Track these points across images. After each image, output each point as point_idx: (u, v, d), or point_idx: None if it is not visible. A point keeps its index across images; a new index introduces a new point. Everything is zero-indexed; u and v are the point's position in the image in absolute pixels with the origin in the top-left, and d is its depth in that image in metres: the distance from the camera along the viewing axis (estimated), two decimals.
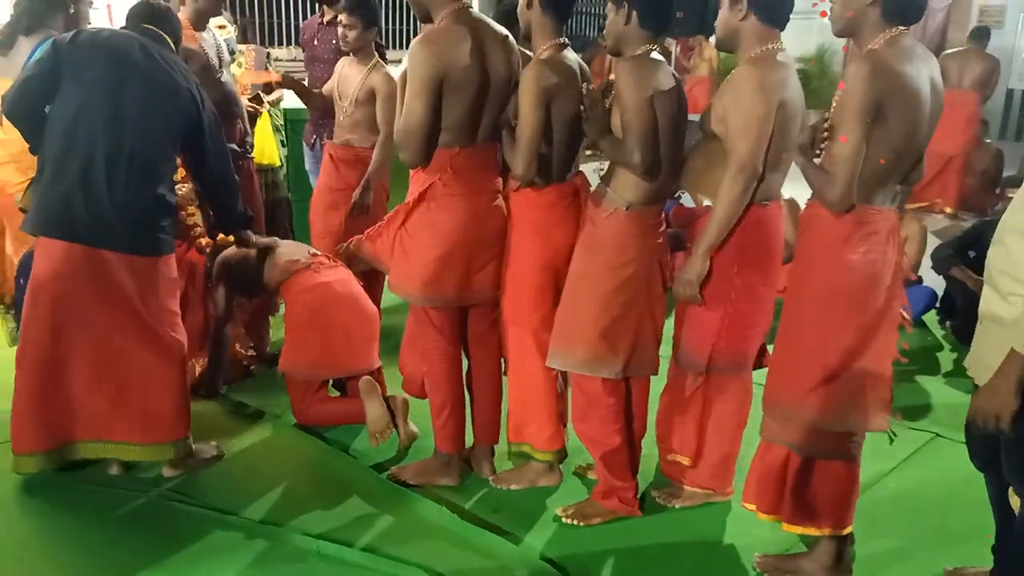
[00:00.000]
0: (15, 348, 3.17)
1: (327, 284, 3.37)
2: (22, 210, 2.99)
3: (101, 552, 2.66)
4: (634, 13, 2.68)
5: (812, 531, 2.62)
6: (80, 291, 2.84)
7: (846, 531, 2.63)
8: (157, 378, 2.94)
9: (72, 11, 3.73)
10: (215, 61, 4.17)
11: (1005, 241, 2.12)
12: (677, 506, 3.04)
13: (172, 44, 3.08)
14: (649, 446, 3.14)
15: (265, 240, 3.57)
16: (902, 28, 2.36)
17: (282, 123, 5.38)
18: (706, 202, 2.80)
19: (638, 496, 3.00)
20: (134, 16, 3.05)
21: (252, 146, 4.58)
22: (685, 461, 3.04)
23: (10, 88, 2.89)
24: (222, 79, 4.23)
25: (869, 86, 2.27)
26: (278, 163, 5.25)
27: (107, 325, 2.87)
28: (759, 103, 2.56)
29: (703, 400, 2.94)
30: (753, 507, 2.71)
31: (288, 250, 3.53)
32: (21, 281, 3.32)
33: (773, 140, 2.59)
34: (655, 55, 2.73)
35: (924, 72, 2.37)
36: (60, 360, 2.87)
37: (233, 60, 5.16)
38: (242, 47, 5.40)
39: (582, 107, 2.68)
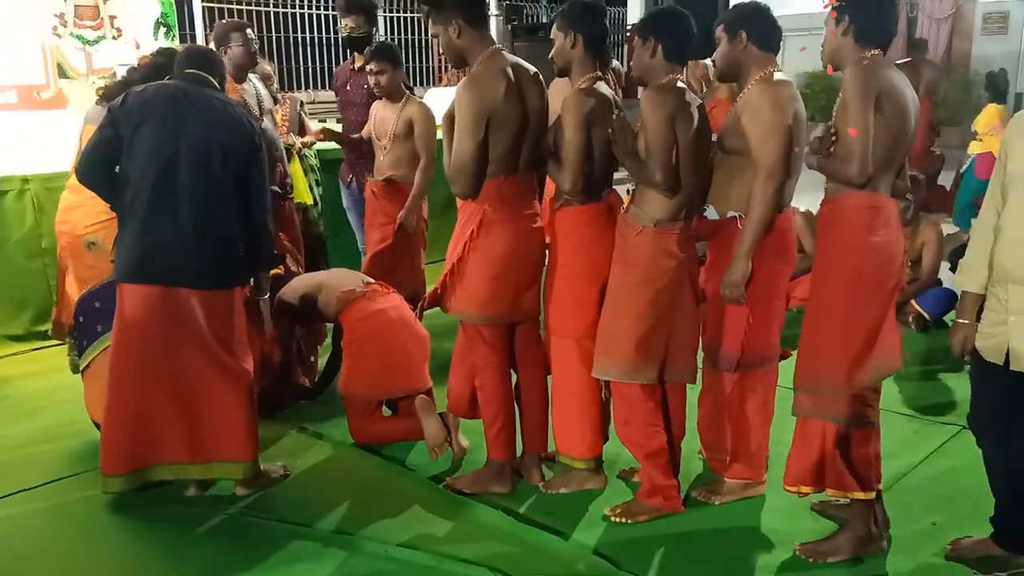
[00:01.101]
0: (78, 376, 3.54)
1: (382, 311, 3.62)
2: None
3: (187, 564, 2.90)
4: (660, 47, 2.95)
5: (843, 495, 2.85)
6: (159, 329, 3.09)
7: (872, 495, 2.85)
8: (227, 403, 3.17)
9: None
10: (256, 110, 4.48)
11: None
12: (717, 502, 3.24)
13: (218, 84, 3.29)
14: (688, 448, 3.35)
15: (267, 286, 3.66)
16: (876, 51, 2.68)
17: (315, 163, 5.67)
18: (730, 213, 3.03)
19: (680, 494, 3.20)
20: (180, 64, 3.28)
21: (292, 187, 4.88)
22: (724, 457, 3.24)
23: (80, 157, 3.17)
24: (263, 126, 4.52)
25: (866, 79, 2.60)
26: (311, 201, 5.55)
27: (183, 358, 3.12)
28: (778, 114, 2.85)
29: (737, 396, 3.16)
30: (795, 490, 2.91)
31: (342, 280, 3.78)
32: (81, 319, 3.58)
33: (789, 149, 2.85)
34: (679, 83, 2.98)
35: (903, 80, 2.69)
36: (145, 392, 3.13)
37: (277, 105, 5.48)
38: (280, 95, 5.71)
39: (610, 131, 2.93)
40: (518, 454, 3.40)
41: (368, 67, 4.38)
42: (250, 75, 4.62)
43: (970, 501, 3.18)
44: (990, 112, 7.45)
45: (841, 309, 2.73)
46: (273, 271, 4.06)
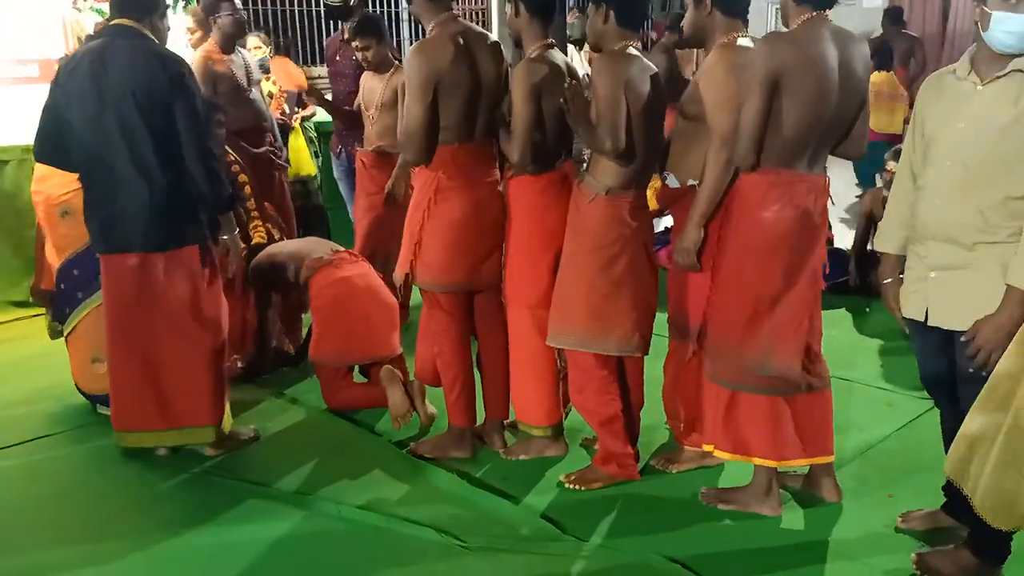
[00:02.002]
0: (58, 341, 3.75)
1: (348, 278, 3.68)
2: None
3: (144, 519, 3.01)
4: (611, 13, 2.94)
5: (742, 458, 2.91)
6: (126, 296, 3.19)
7: (781, 464, 2.89)
8: (191, 368, 3.26)
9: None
10: (243, 81, 4.54)
11: (953, 196, 2.35)
12: (674, 471, 3.25)
13: (150, 27, 3.12)
14: (655, 418, 3.36)
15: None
16: (815, 12, 2.67)
17: (315, 135, 5.74)
18: (690, 182, 3.02)
19: (638, 463, 3.22)
20: (109, 16, 3.20)
21: (287, 160, 4.95)
22: (683, 426, 3.25)
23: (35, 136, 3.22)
24: (251, 96, 4.60)
25: (765, 61, 2.61)
26: (313, 172, 5.61)
27: (148, 324, 3.21)
28: (732, 81, 2.81)
29: (696, 364, 3.16)
30: (712, 447, 2.97)
31: (312, 248, 3.85)
32: (63, 286, 3.70)
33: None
34: (631, 50, 2.97)
35: (831, 52, 2.64)
36: (117, 360, 3.26)
37: (268, 78, 5.55)
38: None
39: (562, 100, 2.93)
40: (480, 421, 3.44)
41: (353, 43, 4.42)
42: (238, 46, 4.68)
43: (932, 475, 3.13)
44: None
45: (732, 280, 2.79)
46: (257, 239, 4.16)
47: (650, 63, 3.04)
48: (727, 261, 2.84)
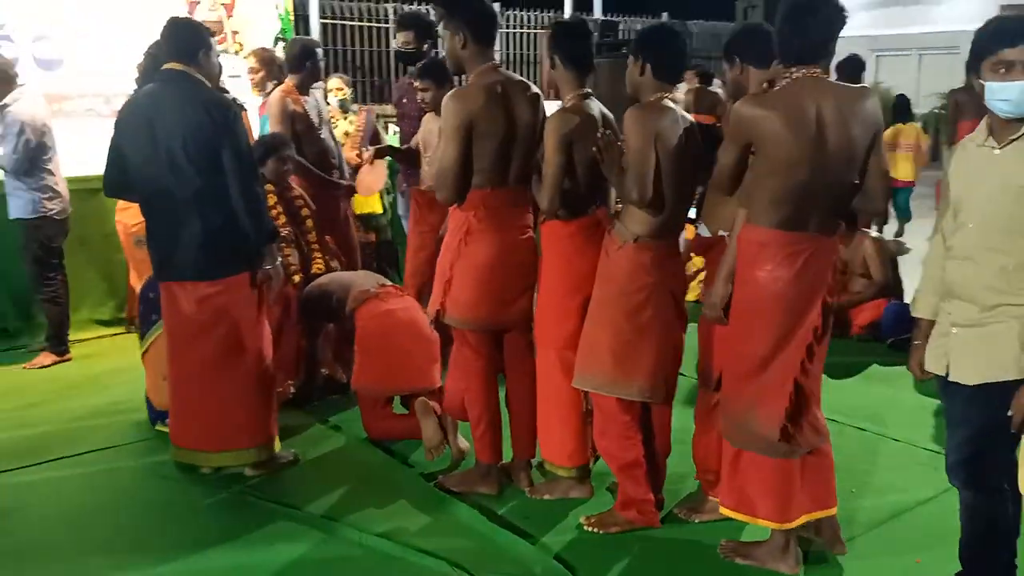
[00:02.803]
0: (133, 360, 3.99)
1: (391, 311, 3.81)
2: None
3: (179, 532, 3.18)
4: (648, 66, 3.01)
5: (746, 518, 2.87)
6: (180, 323, 3.40)
7: (787, 526, 2.82)
8: (235, 393, 3.44)
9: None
10: (316, 119, 4.79)
11: (976, 258, 2.36)
12: (696, 520, 3.23)
13: (197, 70, 3.31)
14: (680, 466, 3.35)
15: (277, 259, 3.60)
16: (802, 68, 2.63)
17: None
18: (720, 232, 3.05)
19: (660, 511, 3.22)
20: (158, 62, 3.40)
21: (352, 191, 5.17)
22: (710, 476, 3.24)
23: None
24: (322, 135, 4.85)
25: (735, 120, 2.67)
26: (380, 210, 5.84)
27: (198, 350, 3.41)
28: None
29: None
30: (730, 513, 2.93)
31: (361, 281, 4.01)
32: (141, 308, 3.97)
33: None
34: (666, 102, 3.02)
35: (811, 114, 2.59)
36: (173, 383, 3.50)
37: (346, 118, 5.81)
38: (355, 107, 6.05)
39: (595, 149, 3.00)
40: (509, 459, 3.50)
41: (415, 85, 4.60)
42: (313, 88, 4.94)
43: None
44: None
45: (732, 337, 2.82)
46: (315, 270, 4.35)
47: (685, 115, 3.09)
48: (730, 318, 2.87)
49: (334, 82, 5.96)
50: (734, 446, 2.85)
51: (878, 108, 2.71)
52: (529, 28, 11.82)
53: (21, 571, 2.96)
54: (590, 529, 3.16)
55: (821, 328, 2.74)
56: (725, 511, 2.93)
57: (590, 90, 3.21)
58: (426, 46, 4.98)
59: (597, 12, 11.90)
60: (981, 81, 2.31)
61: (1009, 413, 2.32)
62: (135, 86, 4.32)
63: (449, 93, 3.16)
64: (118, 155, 3.35)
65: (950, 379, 2.46)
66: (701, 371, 3.18)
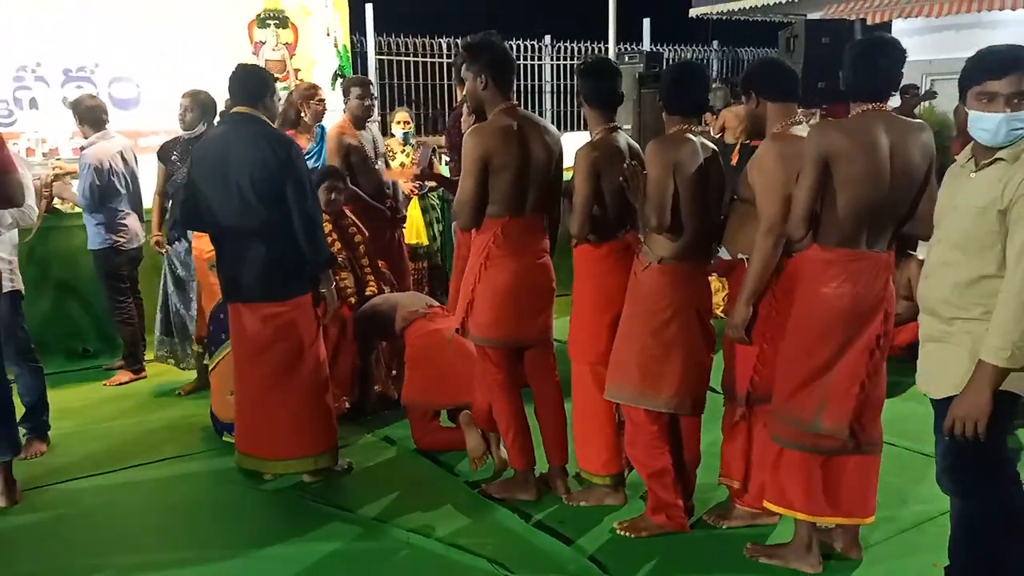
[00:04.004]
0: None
1: (438, 330, 4.09)
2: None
3: (240, 530, 3.49)
4: (663, 101, 3.29)
5: (784, 511, 3.09)
6: (245, 341, 3.72)
7: (812, 518, 3.04)
8: (293, 406, 3.72)
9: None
10: (371, 153, 5.14)
11: (936, 273, 2.52)
12: (724, 526, 3.42)
13: (263, 112, 3.64)
14: (712, 476, 3.54)
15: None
16: (867, 105, 2.87)
17: (437, 203, 6.31)
18: (740, 256, 3.26)
19: (690, 517, 3.42)
20: (227, 105, 3.78)
21: (404, 220, 5.51)
22: (735, 484, 3.43)
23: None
24: (377, 167, 5.20)
25: (814, 146, 2.84)
26: (426, 241, 6.20)
27: (261, 365, 3.71)
28: (780, 171, 3.04)
29: (748, 429, 3.34)
30: (772, 506, 3.14)
31: (410, 302, 4.31)
32: (211, 328, 4.33)
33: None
34: (688, 135, 3.25)
35: (883, 140, 2.82)
36: (239, 396, 3.83)
37: (403, 150, 6.16)
38: (414, 141, 6.40)
39: (621, 178, 3.24)
40: (546, 468, 3.73)
41: (464, 117, 4.91)
42: (369, 123, 5.30)
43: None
44: None
45: (790, 346, 2.98)
46: (369, 292, 4.66)
47: (708, 144, 3.31)
48: (787, 329, 3.03)
49: (401, 115, 6.31)
50: (782, 445, 3.04)
51: (932, 140, 2.93)
52: (579, 59, 12.12)
53: (107, 560, 3.28)
54: (622, 533, 3.37)
55: (883, 336, 2.92)
56: (768, 505, 3.13)
57: (617, 124, 3.47)
58: None
59: (646, 43, 12.14)
60: (966, 109, 2.43)
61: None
62: (179, 127, 4.78)
63: (468, 130, 3.44)
64: (192, 192, 3.71)
65: (919, 390, 2.62)
66: (725, 386, 3.38)
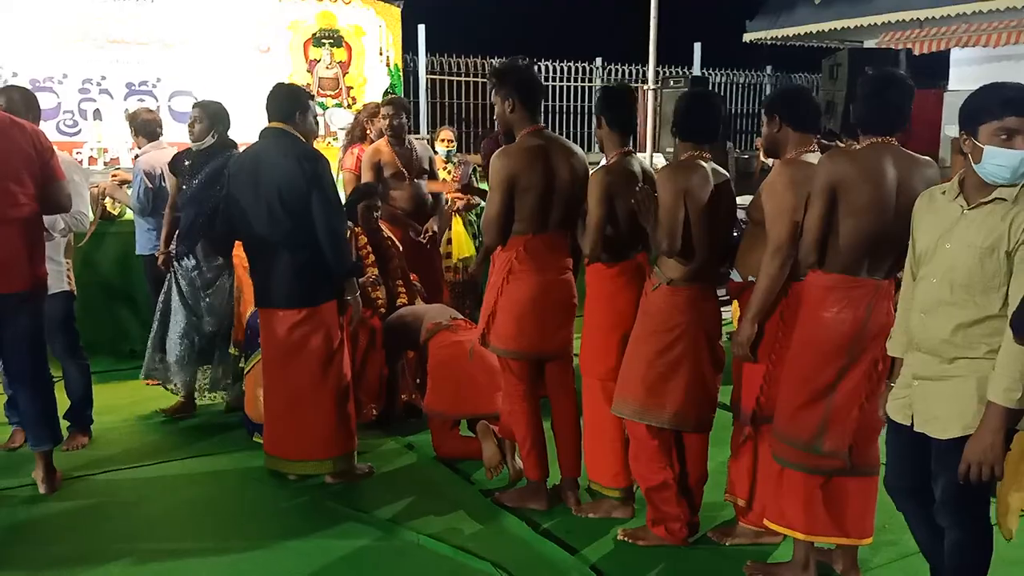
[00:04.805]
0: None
1: (460, 342, 4.24)
2: None
3: (261, 527, 3.66)
4: (675, 128, 3.41)
5: (784, 530, 3.15)
6: (274, 344, 3.91)
7: (810, 538, 3.09)
8: (317, 409, 3.91)
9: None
10: (405, 168, 5.34)
11: (937, 312, 2.51)
12: (728, 543, 3.49)
13: (294, 128, 3.82)
14: (716, 495, 3.62)
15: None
16: (876, 137, 2.94)
17: (474, 219, 6.47)
18: (750, 278, 3.35)
19: (695, 533, 3.50)
20: (268, 116, 3.88)
21: (441, 235, 5.69)
22: (740, 502, 3.50)
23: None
24: (413, 181, 5.39)
25: (824, 173, 2.92)
26: (471, 254, 6.35)
27: (288, 368, 3.90)
28: (789, 195, 3.13)
29: (752, 448, 3.42)
30: (775, 524, 3.20)
31: (436, 314, 4.46)
32: (248, 332, 4.54)
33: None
34: (700, 161, 3.36)
35: (889, 172, 2.88)
36: (268, 398, 4.01)
37: (446, 168, 6.35)
38: (455, 158, 6.59)
39: (633, 201, 3.36)
40: (558, 479, 3.84)
41: (501, 139, 5.07)
42: (414, 138, 5.51)
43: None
44: None
45: (792, 369, 3.06)
46: (399, 303, 4.84)
47: (720, 170, 3.41)
48: (790, 352, 3.12)
49: (444, 133, 6.53)
50: (782, 465, 3.12)
51: (938, 176, 2.95)
52: (628, 81, 12.26)
53: (137, 546, 3.48)
54: (624, 539, 3.49)
55: (881, 361, 2.93)
56: (768, 523, 3.21)
57: (631, 148, 3.59)
58: None
59: (696, 67, 12.22)
60: (977, 143, 2.36)
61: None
62: (191, 140, 4.87)
63: (496, 152, 3.59)
64: (230, 201, 3.94)
65: (916, 429, 2.58)
66: (733, 406, 3.45)
